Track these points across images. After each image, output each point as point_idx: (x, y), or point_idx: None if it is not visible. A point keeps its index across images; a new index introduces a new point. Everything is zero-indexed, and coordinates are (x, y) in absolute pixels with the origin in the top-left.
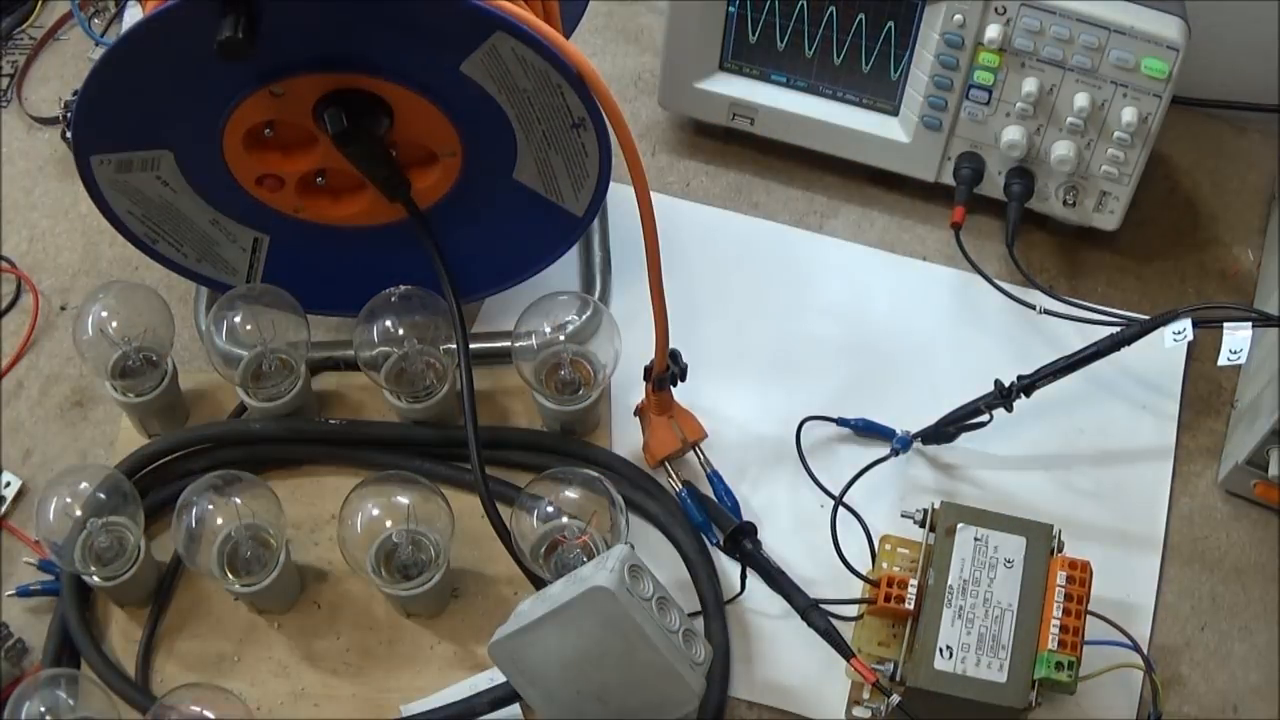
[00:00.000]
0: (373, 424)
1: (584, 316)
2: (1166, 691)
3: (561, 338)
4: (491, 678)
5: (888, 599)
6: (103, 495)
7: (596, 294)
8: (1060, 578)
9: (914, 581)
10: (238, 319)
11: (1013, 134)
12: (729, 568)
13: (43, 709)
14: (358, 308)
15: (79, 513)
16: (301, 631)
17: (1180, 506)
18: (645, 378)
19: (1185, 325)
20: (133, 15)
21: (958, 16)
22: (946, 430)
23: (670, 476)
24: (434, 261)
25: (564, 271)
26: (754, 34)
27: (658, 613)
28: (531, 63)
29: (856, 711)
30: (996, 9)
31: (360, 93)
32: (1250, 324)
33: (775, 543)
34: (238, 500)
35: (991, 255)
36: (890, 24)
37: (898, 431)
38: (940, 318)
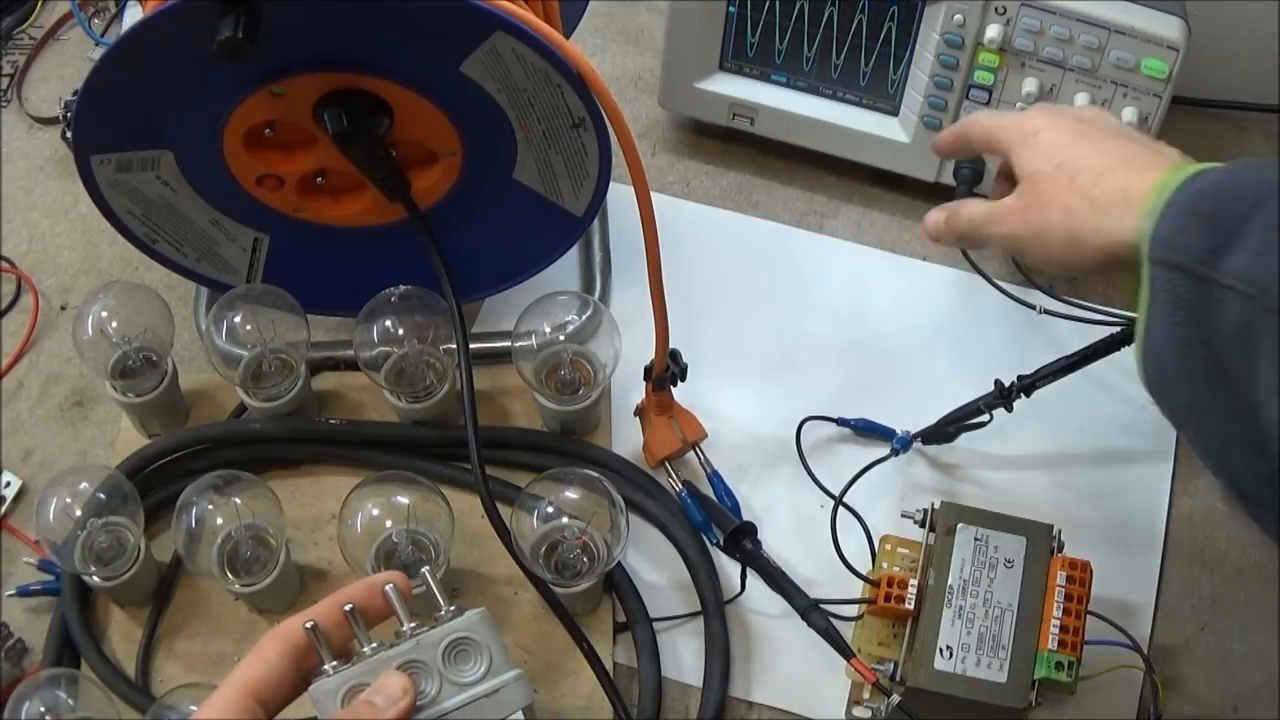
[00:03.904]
0: (373, 424)
1: (584, 316)
2: (1166, 691)
3: (561, 338)
4: None
5: (888, 599)
6: (103, 495)
7: (596, 294)
8: (1060, 578)
9: (914, 581)
10: (238, 319)
11: None
12: (729, 568)
13: (43, 709)
14: (358, 308)
15: (79, 513)
16: None
17: (1180, 506)
18: (645, 378)
19: None
20: (133, 15)
21: (958, 16)
22: (946, 430)
23: (670, 476)
24: (434, 261)
25: (564, 271)
26: (754, 34)
27: None
28: (531, 62)
29: (856, 711)
30: (996, 9)
31: (360, 93)
32: None
33: (775, 543)
34: (238, 500)
35: (992, 255)
36: (890, 24)
37: (898, 431)
38: (940, 318)
